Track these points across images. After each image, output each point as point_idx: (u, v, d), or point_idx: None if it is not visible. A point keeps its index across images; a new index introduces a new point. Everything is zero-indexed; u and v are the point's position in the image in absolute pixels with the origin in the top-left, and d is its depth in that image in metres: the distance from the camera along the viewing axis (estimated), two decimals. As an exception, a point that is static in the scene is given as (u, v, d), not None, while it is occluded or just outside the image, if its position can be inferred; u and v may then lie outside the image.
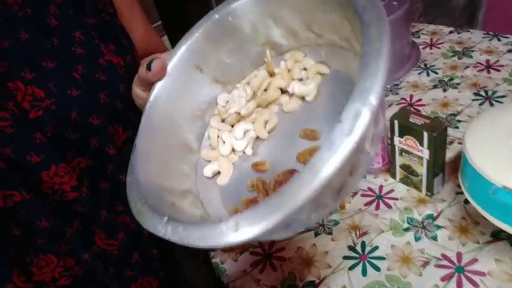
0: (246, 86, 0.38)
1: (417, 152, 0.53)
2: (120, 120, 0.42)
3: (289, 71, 0.38)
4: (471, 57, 0.82)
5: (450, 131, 0.67)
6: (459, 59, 0.83)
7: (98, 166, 0.41)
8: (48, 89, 0.37)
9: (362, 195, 0.61)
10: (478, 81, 0.75)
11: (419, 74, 0.82)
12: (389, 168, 0.62)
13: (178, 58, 0.36)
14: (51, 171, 0.37)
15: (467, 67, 0.80)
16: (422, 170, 0.55)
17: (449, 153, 0.62)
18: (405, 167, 0.58)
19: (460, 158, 0.47)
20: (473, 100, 0.72)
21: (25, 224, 0.38)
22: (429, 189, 0.56)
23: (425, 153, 0.52)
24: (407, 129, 0.53)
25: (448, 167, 0.57)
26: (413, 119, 0.52)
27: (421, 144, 0.52)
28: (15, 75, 0.35)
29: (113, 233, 0.43)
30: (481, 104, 0.70)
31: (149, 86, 0.36)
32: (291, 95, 0.38)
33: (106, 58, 0.40)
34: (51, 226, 0.38)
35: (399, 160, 0.58)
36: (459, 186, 0.47)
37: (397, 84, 0.81)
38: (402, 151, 0.56)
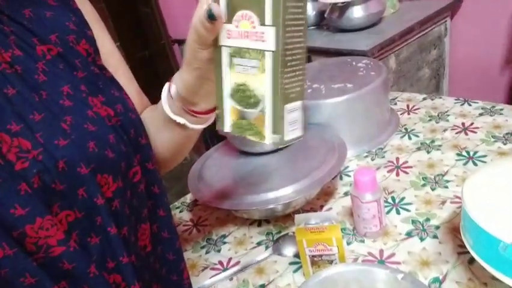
0: None
1: (256, 41, 0.35)
2: (110, 170, 0.40)
3: None
4: (447, 120, 0.87)
5: (440, 191, 0.68)
6: (436, 122, 0.87)
7: (87, 218, 0.39)
8: (35, 139, 0.36)
9: (363, 261, 0.59)
10: (458, 143, 0.79)
11: (401, 137, 0.86)
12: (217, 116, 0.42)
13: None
14: (36, 224, 0.35)
15: (445, 130, 0.84)
16: (264, 83, 0.35)
17: (443, 213, 0.62)
18: (239, 91, 0.38)
19: (455, 217, 0.47)
20: (456, 160, 0.74)
21: (7, 283, 0.34)
22: (277, 128, 0.36)
23: (269, 39, 0.34)
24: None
25: (443, 227, 0.57)
26: None
27: (261, 18, 0.34)
28: (1, 129, 0.35)
29: None
30: (465, 164, 0.73)
31: (210, 43, 0.37)
32: None
33: (94, 110, 0.40)
34: (37, 284, 0.35)
35: (229, 77, 0.38)
36: (460, 246, 0.47)
37: (381, 148, 0.84)
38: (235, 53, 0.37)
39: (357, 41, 1.32)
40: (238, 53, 0.36)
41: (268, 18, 0.33)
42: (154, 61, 2.48)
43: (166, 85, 0.45)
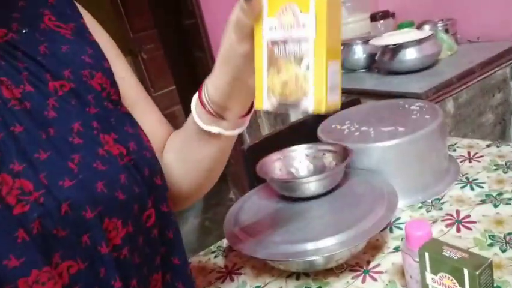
0: None
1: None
2: (120, 213, 0.37)
3: None
4: (517, 171, 0.77)
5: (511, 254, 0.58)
6: (504, 172, 0.77)
7: (90, 269, 0.36)
8: (39, 180, 0.34)
9: (417, 332, 0.50)
10: (532, 197, 0.68)
11: (462, 187, 0.76)
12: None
13: None
14: (31, 277, 0.32)
15: (515, 181, 0.74)
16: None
17: (518, 281, 0.52)
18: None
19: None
20: (531, 217, 0.64)
21: None
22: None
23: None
24: (440, 265, 0.44)
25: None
26: (447, 252, 0.43)
27: (461, 284, 0.42)
28: (2, 169, 0.33)
29: None
30: (542, 222, 0.62)
31: (248, 33, 0.37)
32: None
33: (106, 148, 0.38)
34: None
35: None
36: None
37: (439, 199, 0.75)
38: None
39: (410, 83, 1.25)
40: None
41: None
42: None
43: (195, 96, 0.44)
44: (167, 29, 2.70)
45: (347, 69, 1.57)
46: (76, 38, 0.43)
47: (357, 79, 1.47)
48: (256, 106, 0.40)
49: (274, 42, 0.37)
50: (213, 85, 0.42)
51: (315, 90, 0.36)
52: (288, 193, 0.70)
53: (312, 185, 0.67)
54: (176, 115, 3.38)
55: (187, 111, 0.51)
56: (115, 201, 0.37)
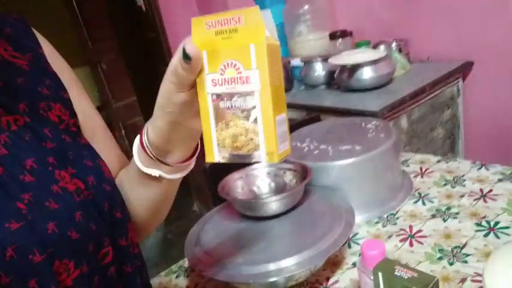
0: None
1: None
2: (72, 254, 0.36)
3: None
4: (464, 185, 0.82)
5: (459, 266, 0.61)
6: (452, 187, 0.82)
7: None
8: None
9: None
10: (477, 211, 0.73)
11: (415, 203, 0.80)
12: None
13: None
14: None
15: (462, 196, 0.78)
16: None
17: (464, 293, 0.56)
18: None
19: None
20: (476, 231, 0.68)
21: None
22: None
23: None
24: (393, 284, 0.46)
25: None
26: (399, 272, 0.46)
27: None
28: None
29: None
30: (485, 236, 0.67)
31: (188, 85, 0.36)
32: None
33: (61, 185, 0.36)
34: None
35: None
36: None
37: (394, 214, 0.79)
38: None
39: (367, 100, 1.31)
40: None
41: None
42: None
43: (137, 137, 0.42)
44: (128, 39, 2.65)
45: (308, 85, 1.61)
46: (33, 69, 0.41)
47: (318, 95, 1.52)
48: (207, 159, 0.39)
49: (218, 96, 0.38)
50: (153, 128, 0.40)
51: (265, 143, 0.37)
52: (249, 213, 0.70)
53: (273, 205, 0.68)
54: (137, 126, 3.31)
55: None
56: (67, 241, 0.35)
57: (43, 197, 0.35)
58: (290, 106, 1.50)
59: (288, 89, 1.67)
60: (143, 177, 0.43)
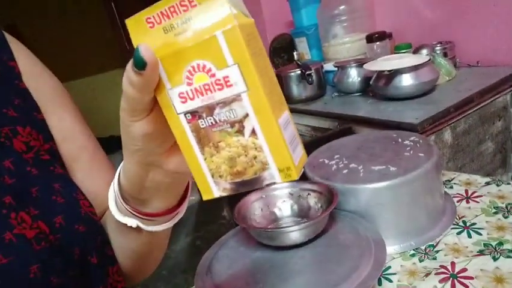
0: None
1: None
2: None
3: None
4: (519, 216, 0.70)
5: (513, 319, 0.51)
6: (504, 217, 0.71)
7: None
8: None
9: None
10: (536, 250, 0.62)
11: (459, 233, 0.70)
12: None
13: None
14: None
15: (516, 229, 0.67)
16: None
17: None
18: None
19: None
20: (534, 275, 0.57)
21: None
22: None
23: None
24: None
25: None
26: None
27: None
28: None
29: None
30: (546, 283, 0.56)
31: (142, 109, 0.27)
32: None
33: (15, 232, 0.30)
34: None
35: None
36: None
37: (433, 246, 0.69)
38: None
39: (405, 111, 1.20)
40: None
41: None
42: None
43: (115, 179, 0.35)
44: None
45: (341, 92, 1.52)
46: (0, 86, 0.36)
47: (351, 103, 1.42)
48: (204, 197, 0.31)
49: (194, 114, 0.29)
50: (123, 173, 0.33)
51: (275, 157, 0.28)
52: (267, 241, 0.63)
53: (293, 235, 0.61)
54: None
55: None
56: None
57: None
58: (321, 114, 1.41)
59: (320, 95, 1.58)
60: (121, 225, 0.36)
